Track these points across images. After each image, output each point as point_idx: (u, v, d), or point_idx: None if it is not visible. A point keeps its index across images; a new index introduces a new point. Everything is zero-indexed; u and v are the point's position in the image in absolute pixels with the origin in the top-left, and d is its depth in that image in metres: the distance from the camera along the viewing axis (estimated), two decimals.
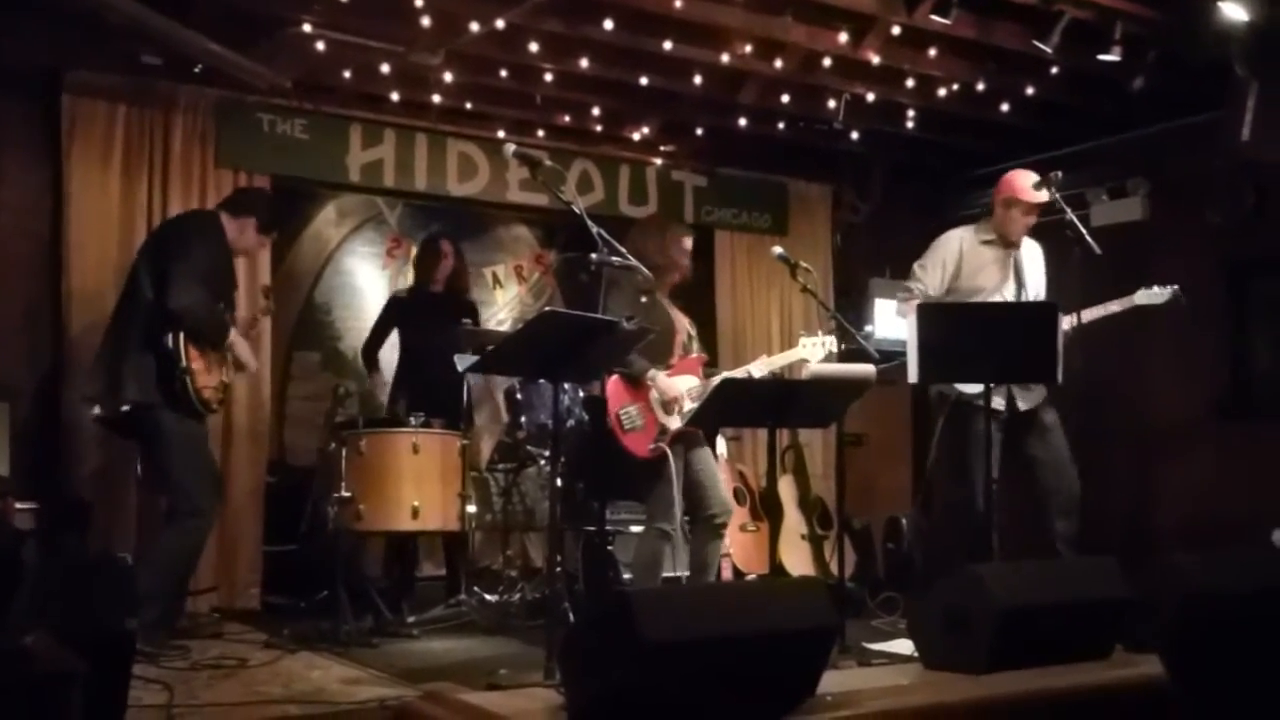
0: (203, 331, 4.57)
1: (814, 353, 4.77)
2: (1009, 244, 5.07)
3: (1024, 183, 4.99)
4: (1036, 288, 5.13)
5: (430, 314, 5.89)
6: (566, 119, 6.50)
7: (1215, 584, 3.51)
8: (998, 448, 4.92)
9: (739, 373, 4.76)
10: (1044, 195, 4.90)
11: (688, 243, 4.78)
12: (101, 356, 4.59)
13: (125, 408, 4.51)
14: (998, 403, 4.87)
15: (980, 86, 6.08)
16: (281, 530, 5.90)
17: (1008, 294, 5.05)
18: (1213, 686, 3.35)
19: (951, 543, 5.09)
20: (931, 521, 5.99)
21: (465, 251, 6.40)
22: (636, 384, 4.56)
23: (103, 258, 5.43)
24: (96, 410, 4.69)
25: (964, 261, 5.06)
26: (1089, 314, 4.84)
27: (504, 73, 5.86)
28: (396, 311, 6.11)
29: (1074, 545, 4.90)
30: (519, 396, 5.70)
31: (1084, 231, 4.75)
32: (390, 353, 6.15)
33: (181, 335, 4.47)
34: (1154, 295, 4.93)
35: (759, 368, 4.78)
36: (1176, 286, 4.91)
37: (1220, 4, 4.91)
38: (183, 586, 4.84)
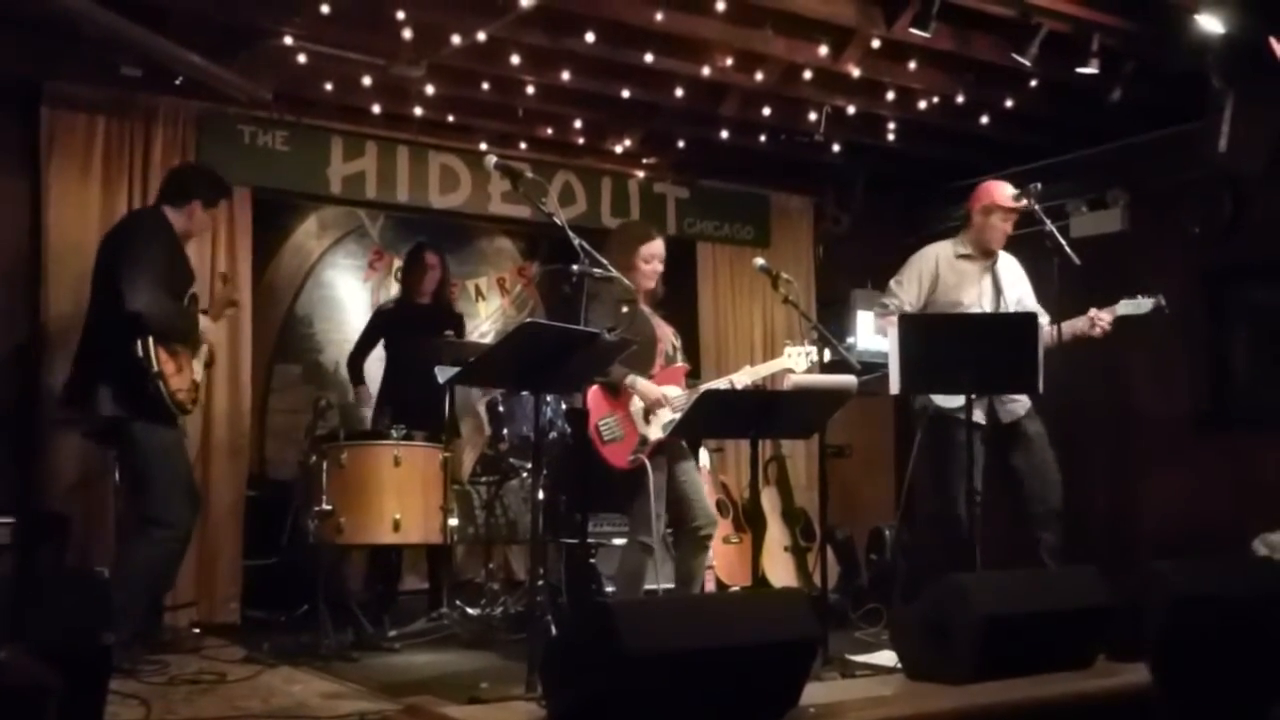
0: (169, 330, 4.49)
1: (799, 362, 4.78)
2: (988, 254, 5.10)
3: (1000, 189, 5.05)
4: (1017, 299, 5.15)
5: (417, 326, 5.88)
6: (548, 131, 6.51)
7: (1201, 590, 3.53)
8: (982, 459, 4.94)
9: (721, 382, 4.76)
10: (1021, 200, 4.95)
11: (657, 246, 4.74)
12: (74, 374, 4.56)
13: (100, 423, 4.46)
14: (977, 416, 4.89)
15: (960, 98, 6.12)
16: (262, 544, 5.87)
17: (985, 306, 5.07)
18: (1198, 692, 3.36)
19: (934, 554, 5.10)
20: (914, 533, 6.00)
21: (447, 264, 6.37)
22: (617, 393, 4.55)
23: (82, 270, 5.35)
24: (82, 428, 4.66)
25: (941, 276, 5.09)
26: (1069, 328, 4.85)
27: (486, 85, 5.86)
28: (382, 324, 6.10)
29: (1056, 555, 4.91)
30: (501, 408, 5.69)
31: (1063, 242, 4.78)
32: (374, 365, 6.14)
33: (150, 339, 4.40)
34: (1138, 305, 4.95)
35: (742, 377, 4.77)
36: (1160, 296, 4.94)
37: (1196, 17, 4.96)
38: (158, 600, 4.80)
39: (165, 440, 4.52)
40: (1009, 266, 5.21)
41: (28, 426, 5.30)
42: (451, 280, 6.51)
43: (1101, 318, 4.90)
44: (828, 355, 4.86)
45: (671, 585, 4.81)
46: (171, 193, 4.80)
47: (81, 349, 4.58)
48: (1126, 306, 4.95)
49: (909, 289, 5.10)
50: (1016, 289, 5.18)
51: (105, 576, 3.72)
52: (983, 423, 4.92)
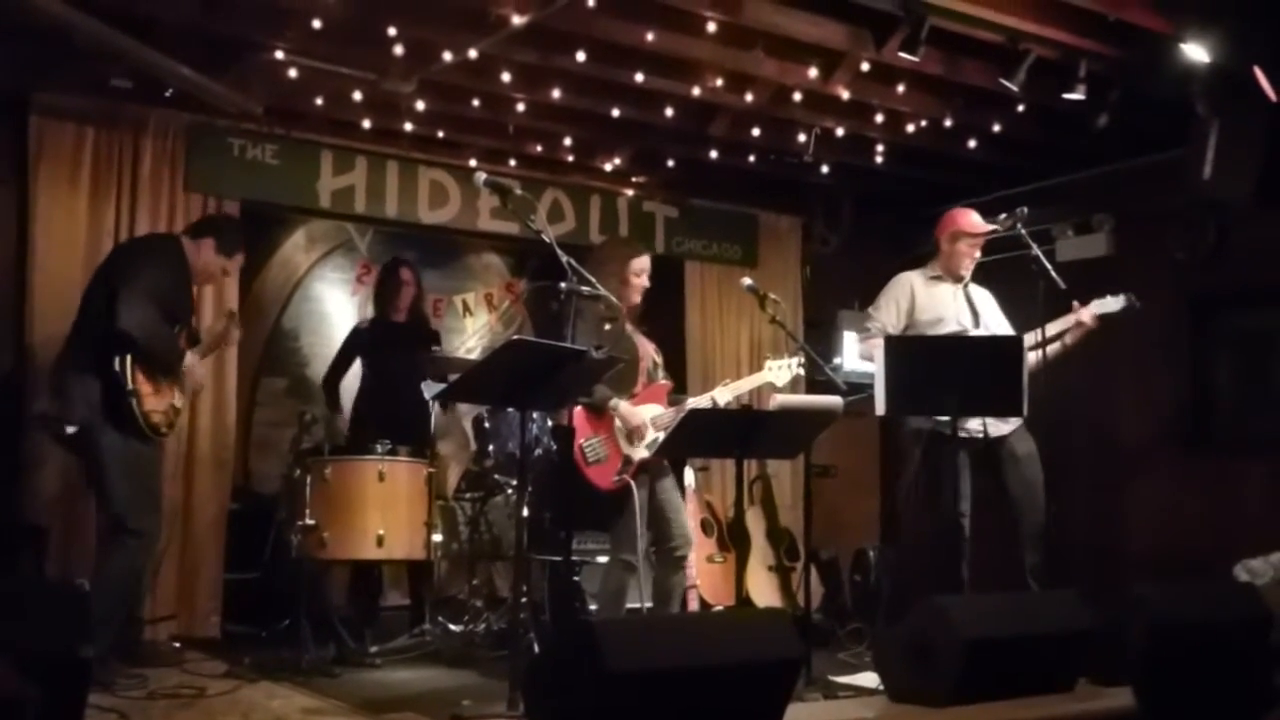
0: (152, 353, 4.49)
1: (780, 375, 4.78)
2: (957, 279, 5.16)
3: (966, 217, 5.13)
4: (993, 322, 5.19)
5: (394, 344, 5.86)
6: (538, 148, 6.52)
7: (1182, 615, 3.54)
8: (969, 478, 4.95)
9: (703, 399, 4.76)
10: (987, 225, 5.01)
11: (645, 261, 4.75)
12: (53, 378, 4.55)
13: (71, 429, 4.43)
14: (976, 429, 4.91)
15: (948, 122, 6.15)
16: (244, 557, 5.84)
17: (965, 323, 5.11)
18: (1179, 716, 3.37)
19: (921, 574, 5.11)
20: (899, 553, 6.00)
21: (435, 279, 6.37)
22: (600, 414, 4.55)
23: (68, 280, 5.36)
24: (51, 430, 4.63)
25: (918, 298, 5.14)
26: (1053, 329, 4.87)
27: (476, 102, 5.87)
28: (359, 343, 6.07)
29: (1038, 576, 4.92)
30: (487, 425, 5.69)
31: (1049, 266, 4.82)
32: (350, 381, 6.11)
33: (129, 358, 4.39)
34: (1107, 304, 5.00)
35: (724, 393, 4.77)
36: (1130, 293, 4.98)
37: (1182, 45, 5.00)
38: (132, 611, 4.76)
39: (134, 451, 4.47)
40: (980, 294, 5.28)
41: (9, 436, 5.27)
42: (431, 296, 6.50)
43: (1083, 315, 4.94)
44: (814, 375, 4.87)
45: (652, 604, 4.80)
46: (194, 227, 4.96)
47: (62, 357, 4.56)
48: (1098, 306, 5.00)
49: (887, 313, 5.13)
50: (989, 312, 5.24)
51: (85, 589, 3.69)
52: (979, 435, 4.94)
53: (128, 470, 4.45)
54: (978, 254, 5.15)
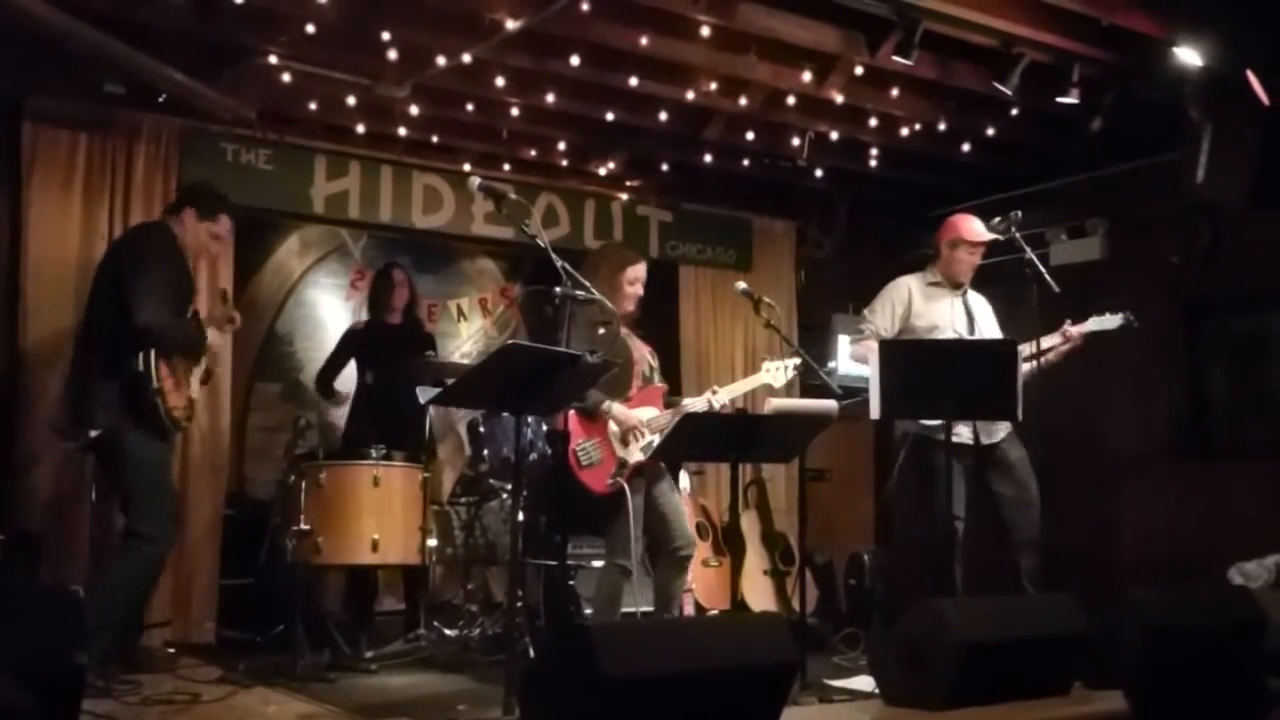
0: (175, 344, 4.49)
1: (777, 377, 4.79)
2: (956, 285, 5.17)
3: (967, 224, 5.13)
4: (989, 332, 5.20)
5: (389, 347, 5.86)
6: (532, 153, 6.52)
7: (1177, 619, 3.55)
8: (963, 483, 4.96)
9: (699, 401, 4.76)
10: (988, 234, 5.02)
11: (641, 269, 4.76)
12: (69, 386, 4.54)
13: (95, 433, 4.42)
14: (966, 436, 4.91)
15: (942, 126, 6.17)
16: (239, 563, 5.82)
17: (960, 330, 5.12)
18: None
19: (914, 578, 5.11)
20: (893, 556, 6.01)
21: (430, 284, 6.33)
22: (593, 417, 4.55)
23: (61, 286, 5.37)
24: (68, 443, 4.62)
25: (914, 303, 5.15)
26: (1047, 342, 4.88)
27: (470, 106, 5.88)
28: (354, 344, 6.07)
29: (1034, 581, 4.93)
30: (481, 429, 5.69)
31: (1043, 270, 4.84)
32: (344, 384, 6.10)
33: (153, 354, 4.38)
34: (1105, 321, 5.01)
35: (721, 396, 4.77)
36: (1128, 312, 5.00)
37: (1175, 49, 5.02)
38: (136, 617, 4.76)
39: (157, 454, 4.50)
40: (978, 301, 5.29)
41: (5, 443, 5.25)
42: (425, 301, 6.48)
43: (1071, 332, 4.96)
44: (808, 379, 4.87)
45: (649, 608, 4.80)
46: (171, 204, 4.90)
47: (76, 363, 4.55)
48: (1096, 323, 5.02)
49: (882, 316, 5.14)
50: (985, 320, 5.25)
51: (79, 595, 3.68)
52: (969, 443, 4.95)
53: (152, 474, 4.47)
54: (978, 261, 5.15)
